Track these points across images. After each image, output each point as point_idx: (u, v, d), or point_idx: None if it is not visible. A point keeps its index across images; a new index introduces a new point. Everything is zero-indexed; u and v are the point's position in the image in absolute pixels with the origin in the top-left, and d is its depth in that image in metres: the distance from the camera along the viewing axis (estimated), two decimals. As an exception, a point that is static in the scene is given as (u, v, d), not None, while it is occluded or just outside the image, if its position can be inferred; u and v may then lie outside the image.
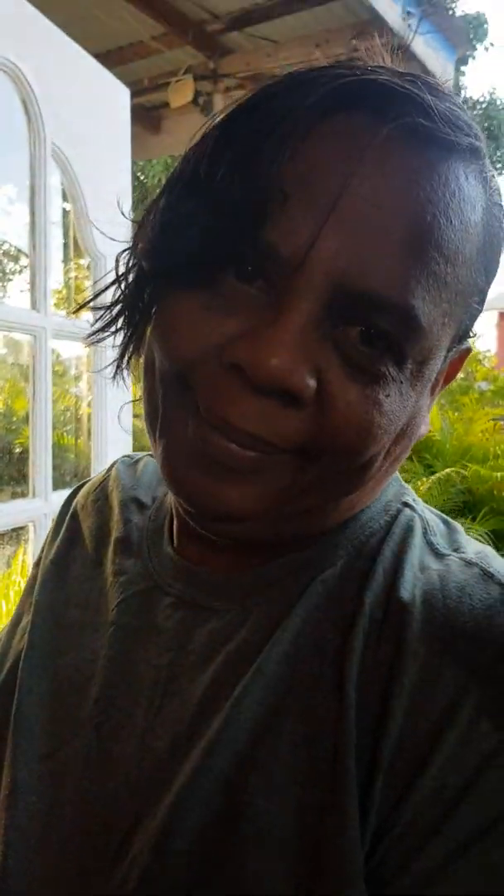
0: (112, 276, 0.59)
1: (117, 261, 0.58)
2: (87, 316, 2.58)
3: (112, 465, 0.83)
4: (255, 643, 0.56)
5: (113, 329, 0.59)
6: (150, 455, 0.83)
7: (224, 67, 4.41)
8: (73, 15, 3.56)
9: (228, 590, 0.60)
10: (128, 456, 0.85)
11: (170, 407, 0.53)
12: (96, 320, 0.60)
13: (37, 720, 0.65)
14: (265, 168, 0.47)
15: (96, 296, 0.60)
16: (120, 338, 0.59)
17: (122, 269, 0.57)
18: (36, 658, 0.68)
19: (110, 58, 4.24)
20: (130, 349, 0.58)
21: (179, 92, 4.48)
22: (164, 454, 0.53)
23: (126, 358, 0.60)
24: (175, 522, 0.66)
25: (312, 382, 0.48)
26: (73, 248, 2.47)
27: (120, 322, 0.58)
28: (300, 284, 0.47)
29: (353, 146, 0.47)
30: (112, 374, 0.61)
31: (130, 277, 0.56)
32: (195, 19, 4.11)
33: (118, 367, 0.61)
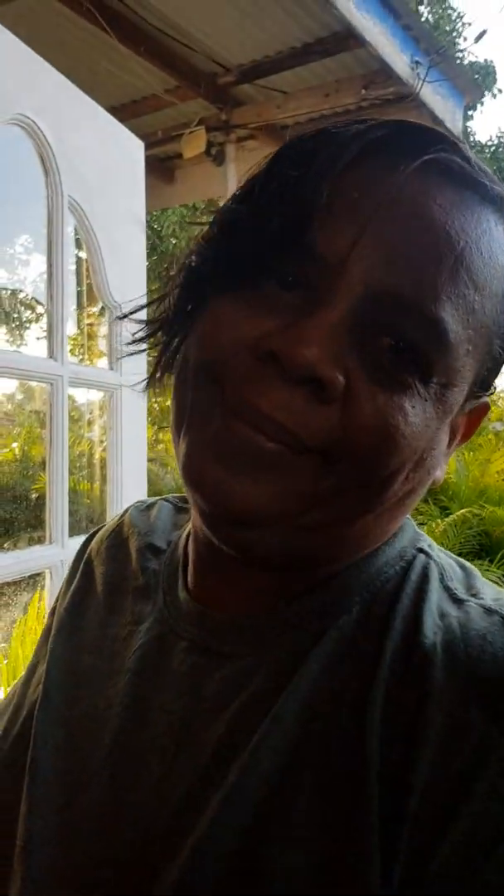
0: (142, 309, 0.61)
1: (163, 277, 0.61)
2: (102, 363, 2.60)
3: (125, 511, 0.83)
4: (270, 691, 0.55)
5: (152, 341, 0.61)
6: (163, 499, 0.83)
7: (236, 118, 4.49)
8: (88, 70, 3.66)
9: (241, 634, 0.59)
10: (140, 501, 0.85)
11: (197, 401, 0.54)
12: (138, 331, 0.62)
13: (52, 770, 0.64)
14: (313, 182, 0.50)
15: (150, 304, 0.63)
16: (155, 353, 0.61)
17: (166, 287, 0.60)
18: (51, 708, 0.68)
19: (124, 111, 4.34)
20: (167, 357, 0.60)
21: (192, 143, 4.57)
22: (186, 450, 0.54)
23: (160, 371, 0.61)
24: (191, 557, 0.66)
25: (342, 378, 0.49)
26: (87, 294, 2.50)
27: (159, 335, 0.60)
28: (337, 286, 0.49)
29: (395, 167, 0.50)
30: (145, 387, 0.63)
31: (175, 293, 0.59)
32: (207, 72, 4.20)
33: (152, 377, 0.62)
